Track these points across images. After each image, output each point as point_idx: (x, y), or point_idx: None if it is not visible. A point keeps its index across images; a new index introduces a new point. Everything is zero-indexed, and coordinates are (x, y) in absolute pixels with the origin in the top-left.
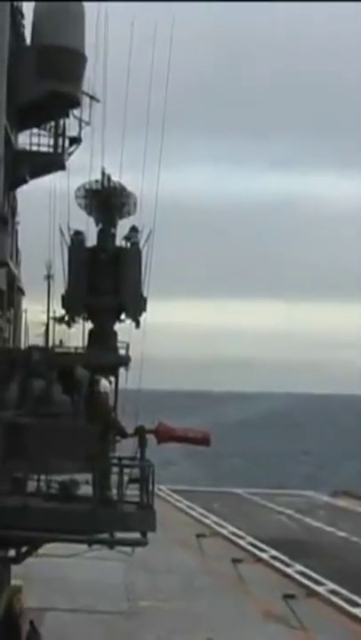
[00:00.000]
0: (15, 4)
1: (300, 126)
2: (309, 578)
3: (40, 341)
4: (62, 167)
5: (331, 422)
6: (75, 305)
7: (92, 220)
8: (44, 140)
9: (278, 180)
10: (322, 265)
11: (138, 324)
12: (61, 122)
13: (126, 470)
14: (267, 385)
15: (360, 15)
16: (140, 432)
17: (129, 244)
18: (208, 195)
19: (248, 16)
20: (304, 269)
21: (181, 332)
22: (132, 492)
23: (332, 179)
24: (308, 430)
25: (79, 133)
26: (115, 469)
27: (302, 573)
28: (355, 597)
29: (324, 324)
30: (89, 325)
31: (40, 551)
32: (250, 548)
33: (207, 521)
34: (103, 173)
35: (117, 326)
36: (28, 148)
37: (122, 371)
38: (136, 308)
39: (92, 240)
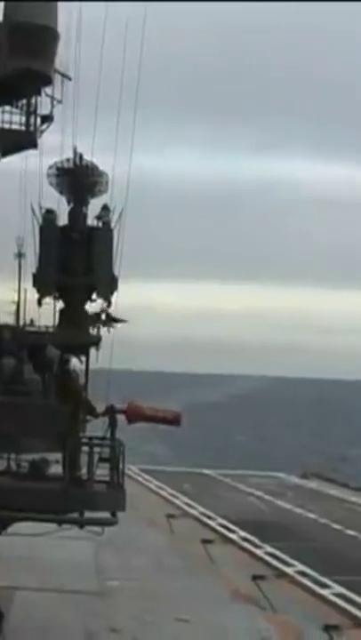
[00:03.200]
0: None
1: (286, 111)
2: (279, 559)
3: (11, 320)
4: (34, 145)
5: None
6: (45, 284)
7: (63, 198)
8: (16, 118)
9: (259, 165)
10: (303, 249)
11: (109, 304)
12: (33, 100)
13: (97, 450)
14: (243, 368)
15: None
16: (111, 412)
17: (100, 224)
18: (188, 177)
19: None
20: (285, 253)
21: (160, 314)
22: (102, 472)
23: (313, 164)
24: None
25: (51, 111)
26: (85, 449)
27: (272, 555)
28: (323, 579)
29: (303, 308)
30: (60, 304)
31: (9, 530)
32: (220, 528)
33: (177, 501)
34: (75, 152)
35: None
36: None
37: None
38: (107, 287)
39: (63, 219)
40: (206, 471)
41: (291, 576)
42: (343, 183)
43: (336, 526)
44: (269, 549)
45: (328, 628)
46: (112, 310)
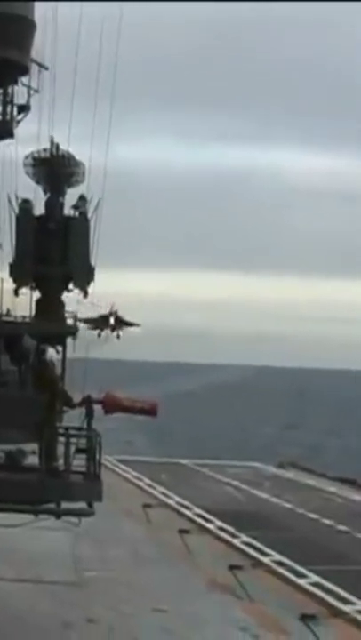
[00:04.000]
0: None
1: (264, 102)
2: (255, 549)
3: None
4: (11, 135)
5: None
6: (22, 274)
7: (40, 188)
8: None
9: (239, 154)
10: (282, 238)
11: (86, 294)
12: (10, 89)
13: (73, 440)
14: (223, 357)
15: None
16: (87, 402)
17: (77, 214)
18: (167, 167)
19: None
20: (264, 241)
21: (138, 303)
22: (79, 463)
23: (294, 154)
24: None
25: (28, 101)
26: (61, 439)
27: (248, 544)
28: (300, 568)
29: (285, 297)
30: (37, 294)
31: None
32: (196, 518)
33: (154, 491)
34: (52, 142)
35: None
36: None
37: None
38: (84, 277)
39: (40, 209)
40: (183, 461)
41: (268, 565)
42: (324, 173)
43: (313, 516)
44: (246, 539)
45: (305, 618)
46: (94, 301)
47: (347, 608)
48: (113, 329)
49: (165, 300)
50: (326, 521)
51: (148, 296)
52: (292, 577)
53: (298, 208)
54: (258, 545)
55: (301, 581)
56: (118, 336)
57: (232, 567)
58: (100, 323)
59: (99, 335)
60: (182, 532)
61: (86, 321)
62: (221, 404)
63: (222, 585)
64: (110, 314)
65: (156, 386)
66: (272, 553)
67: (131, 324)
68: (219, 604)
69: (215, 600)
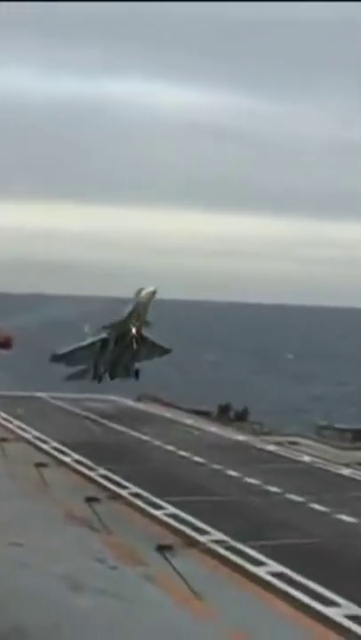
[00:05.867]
0: None
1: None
2: (113, 481)
3: None
4: None
5: None
6: None
7: None
8: None
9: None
10: (123, 167)
11: None
12: None
13: None
14: (91, 289)
15: None
16: None
17: None
18: (27, 97)
19: None
20: (99, 172)
21: (9, 236)
22: None
23: (138, 86)
24: None
25: None
26: None
27: (106, 477)
28: (157, 500)
29: (151, 231)
30: None
31: None
32: (54, 452)
33: (10, 425)
34: None
35: None
36: None
37: None
38: None
39: None
40: (40, 394)
41: (125, 498)
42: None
43: (170, 448)
44: (103, 472)
45: (161, 549)
46: None
47: (203, 538)
48: None
49: (20, 231)
50: (183, 453)
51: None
52: (149, 509)
53: (148, 139)
54: (115, 478)
55: (158, 513)
56: None
57: (89, 500)
58: None
59: None
60: (39, 465)
61: None
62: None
63: (79, 518)
64: None
65: (10, 319)
66: (129, 485)
67: None
68: (76, 536)
69: (72, 533)
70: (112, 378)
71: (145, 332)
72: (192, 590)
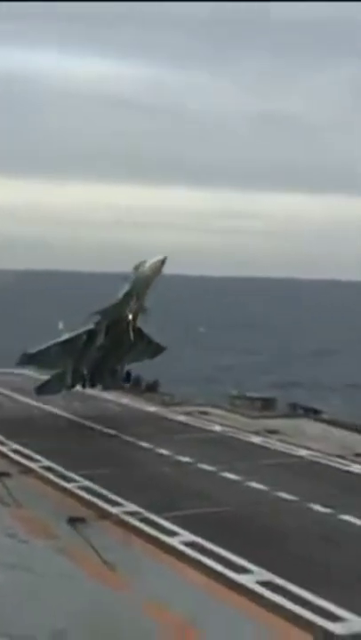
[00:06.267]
0: None
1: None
2: (24, 455)
3: None
4: None
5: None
6: None
7: None
8: None
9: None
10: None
11: None
12: None
13: None
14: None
15: None
16: None
17: None
18: None
19: None
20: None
21: None
22: None
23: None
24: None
25: None
26: None
27: (17, 451)
28: (69, 473)
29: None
30: None
31: None
32: None
33: None
34: None
35: None
36: None
37: None
38: None
39: None
40: None
41: (36, 472)
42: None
43: (83, 421)
44: (15, 446)
45: (73, 521)
46: None
47: (115, 510)
48: None
49: None
50: (94, 425)
51: None
52: (61, 482)
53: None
54: (26, 452)
55: (70, 485)
56: None
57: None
58: None
59: None
60: None
61: None
62: None
63: None
64: None
65: None
66: (41, 459)
67: None
68: None
69: None
70: (105, 388)
71: (140, 323)
72: (105, 562)
